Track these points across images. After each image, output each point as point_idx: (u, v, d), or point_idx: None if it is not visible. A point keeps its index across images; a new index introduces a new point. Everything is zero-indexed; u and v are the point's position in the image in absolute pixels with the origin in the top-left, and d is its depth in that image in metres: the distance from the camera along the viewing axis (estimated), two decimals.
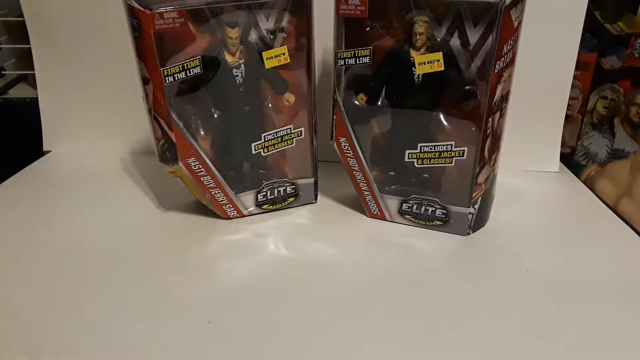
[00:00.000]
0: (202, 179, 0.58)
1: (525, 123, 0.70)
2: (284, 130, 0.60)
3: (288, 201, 0.65)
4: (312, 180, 0.65)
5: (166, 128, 0.54)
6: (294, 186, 0.64)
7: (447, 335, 0.46)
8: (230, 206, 0.62)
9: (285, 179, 0.64)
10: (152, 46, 0.50)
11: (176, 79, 0.52)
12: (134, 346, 0.45)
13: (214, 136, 0.59)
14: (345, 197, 0.67)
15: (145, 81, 0.52)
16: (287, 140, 0.61)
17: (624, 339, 0.46)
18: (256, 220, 0.63)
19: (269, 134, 0.60)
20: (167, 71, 0.51)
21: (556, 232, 0.62)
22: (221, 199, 0.61)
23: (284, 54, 0.56)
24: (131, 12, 0.49)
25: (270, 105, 0.60)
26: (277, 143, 0.61)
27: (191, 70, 0.53)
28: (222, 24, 0.53)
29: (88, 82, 0.79)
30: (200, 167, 0.58)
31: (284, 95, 0.59)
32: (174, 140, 0.55)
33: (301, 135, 0.61)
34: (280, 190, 0.64)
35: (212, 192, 0.60)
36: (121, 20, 0.51)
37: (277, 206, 0.65)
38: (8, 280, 0.53)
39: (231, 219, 0.63)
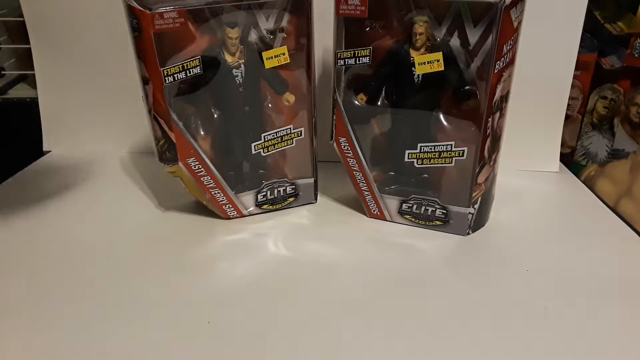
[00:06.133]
0: (202, 179, 0.58)
1: (525, 123, 0.70)
2: (283, 130, 0.60)
3: (288, 201, 0.65)
4: (312, 180, 0.65)
5: (166, 128, 0.54)
6: (293, 186, 0.64)
7: (447, 336, 0.46)
8: (230, 206, 0.62)
9: (285, 179, 0.64)
10: (152, 46, 0.50)
11: (176, 79, 0.52)
12: (134, 346, 0.45)
13: (213, 136, 0.59)
14: (345, 197, 0.67)
15: (145, 81, 0.52)
16: (287, 140, 0.61)
17: (623, 339, 0.46)
18: (256, 220, 0.63)
19: (268, 134, 0.60)
20: (167, 71, 0.51)
21: (556, 232, 0.62)
22: (221, 199, 0.61)
23: (283, 54, 0.56)
24: (131, 12, 0.49)
25: (270, 105, 0.60)
26: (277, 143, 0.61)
27: (191, 70, 0.53)
28: (222, 24, 0.53)
29: (88, 82, 0.79)
30: (200, 167, 0.58)
31: (284, 95, 0.59)
32: (174, 140, 0.55)
33: (301, 135, 0.61)
34: (280, 190, 0.64)
35: (212, 192, 0.60)
36: (121, 21, 0.51)
37: (277, 206, 0.65)
38: (8, 280, 0.53)
39: (231, 219, 0.63)
